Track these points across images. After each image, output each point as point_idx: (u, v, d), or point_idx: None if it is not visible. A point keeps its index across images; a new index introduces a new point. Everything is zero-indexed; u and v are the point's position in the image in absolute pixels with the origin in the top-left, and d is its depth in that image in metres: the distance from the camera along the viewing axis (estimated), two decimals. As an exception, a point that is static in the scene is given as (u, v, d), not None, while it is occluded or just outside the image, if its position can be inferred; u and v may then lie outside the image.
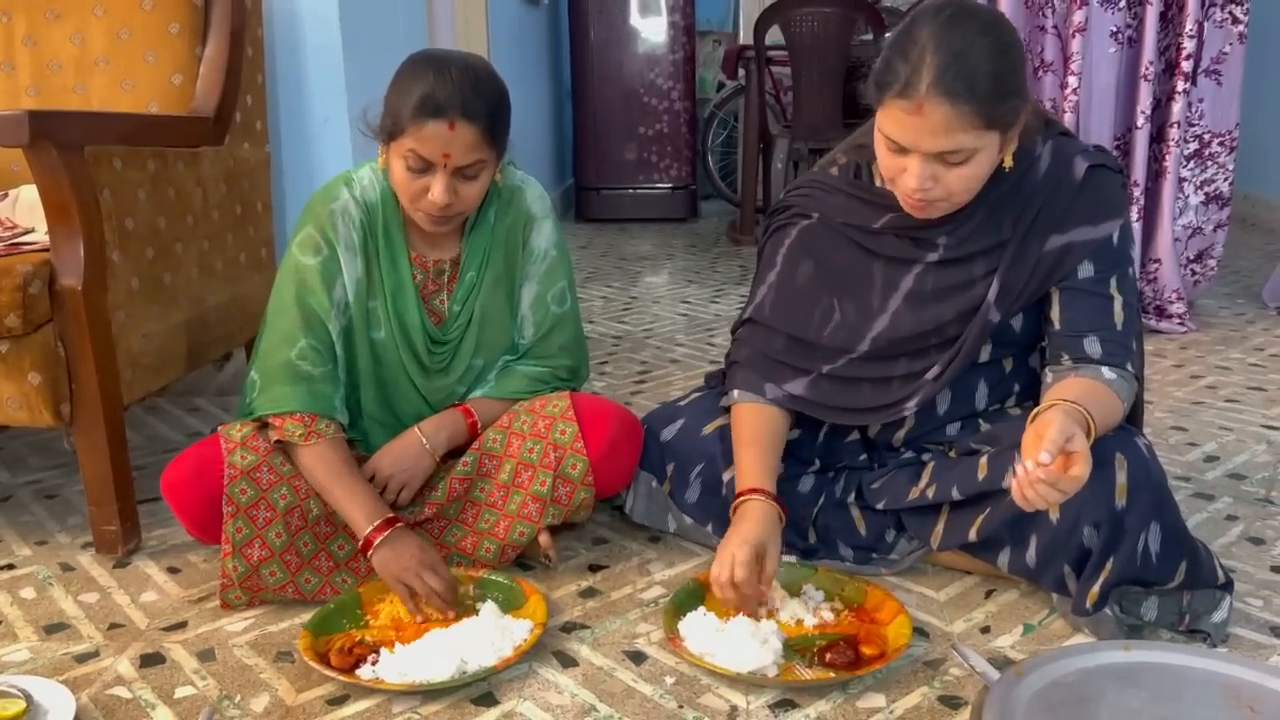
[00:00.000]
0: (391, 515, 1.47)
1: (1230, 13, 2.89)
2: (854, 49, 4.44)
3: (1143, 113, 2.91)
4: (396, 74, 1.47)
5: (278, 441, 1.51)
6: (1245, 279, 3.72)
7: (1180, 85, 2.88)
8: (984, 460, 1.43)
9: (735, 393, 1.58)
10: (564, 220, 5.72)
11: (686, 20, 5.42)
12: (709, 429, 1.64)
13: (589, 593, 1.56)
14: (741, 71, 4.94)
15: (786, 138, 4.62)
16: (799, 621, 1.41)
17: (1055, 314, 1.44)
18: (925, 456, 1.56)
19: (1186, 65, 2.87)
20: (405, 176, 1.47)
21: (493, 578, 1.51)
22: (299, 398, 1.50)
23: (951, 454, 1.53)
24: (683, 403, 1.73)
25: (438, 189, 1.45)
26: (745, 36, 6.19)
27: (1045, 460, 1.15)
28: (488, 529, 1.58)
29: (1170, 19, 2.90)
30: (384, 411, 1.65)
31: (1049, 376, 1.43)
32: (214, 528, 1.47)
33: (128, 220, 1.68)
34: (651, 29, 5.43)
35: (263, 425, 1.53)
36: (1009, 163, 1.35)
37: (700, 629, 1.36)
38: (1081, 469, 1.17)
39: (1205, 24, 2.90)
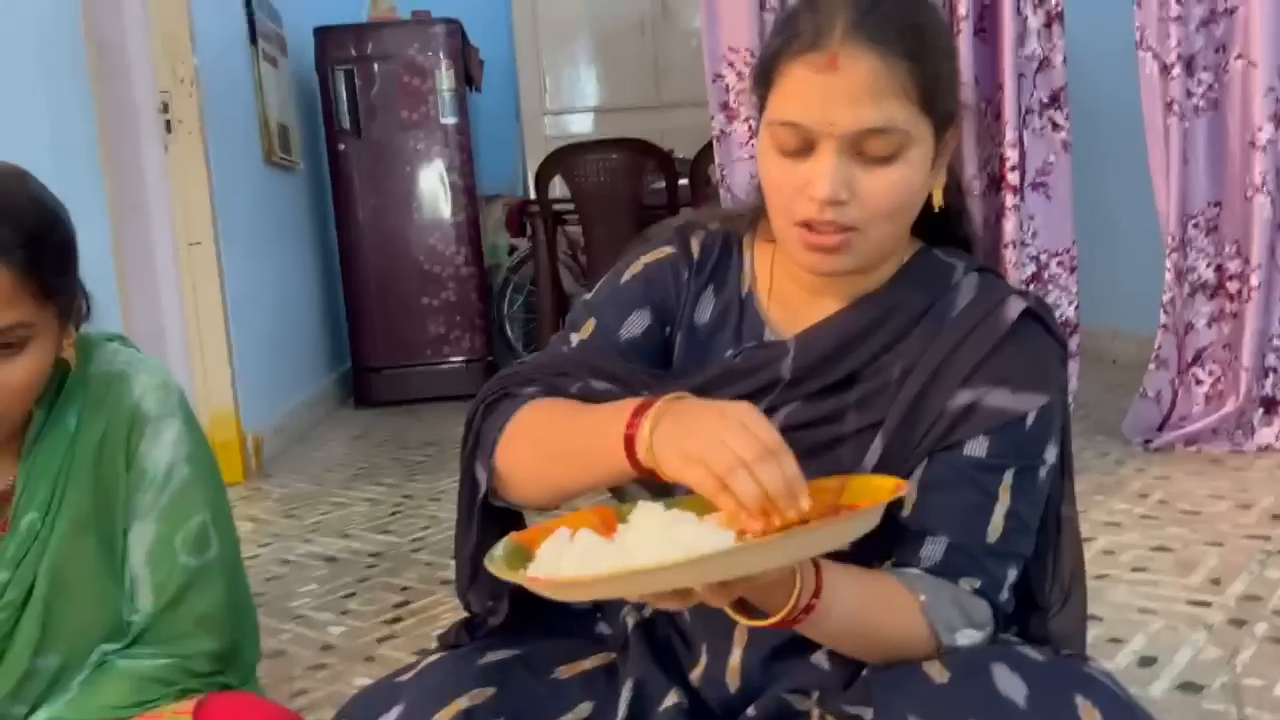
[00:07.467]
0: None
1: (1050, 118, 2.62)
2: (646, 197, 4.08)
3: (973, 234, 2.55)
4: None
5: None
6: (1097, 413, 3.36)
7: (1010, 200, 2.56)
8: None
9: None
10: (342, 408, 4.99)
11: (465, 180, 4.96)
12: (446, 715, 0.98)
13: None
14: (529, 229, 4.51)
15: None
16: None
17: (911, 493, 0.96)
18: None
19: (1013, 177, 2.56)
20: None
21: None
22: None
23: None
24: (407, 676, 1.06)
25: None
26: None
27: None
28: None
29: (988, 128, 2.60)
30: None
31: None
32: None
33: None
34: (428, 193, 4.95)
35: None
36: (939, 198, 0.98)
37: (589, 546, 0.80)
38: None
39: (1025, 133, 2.60)
